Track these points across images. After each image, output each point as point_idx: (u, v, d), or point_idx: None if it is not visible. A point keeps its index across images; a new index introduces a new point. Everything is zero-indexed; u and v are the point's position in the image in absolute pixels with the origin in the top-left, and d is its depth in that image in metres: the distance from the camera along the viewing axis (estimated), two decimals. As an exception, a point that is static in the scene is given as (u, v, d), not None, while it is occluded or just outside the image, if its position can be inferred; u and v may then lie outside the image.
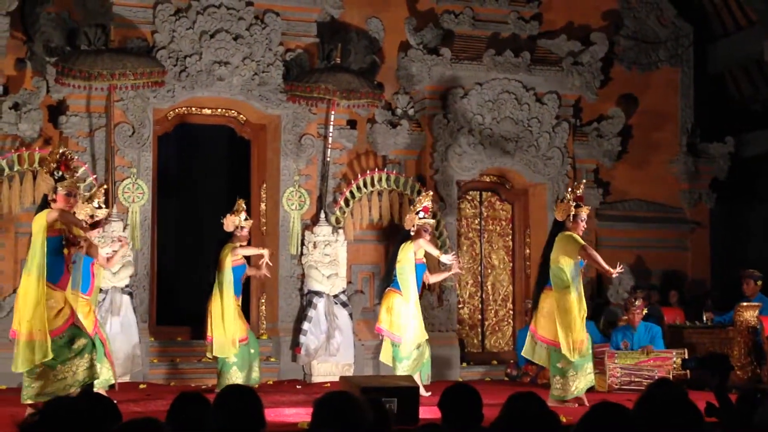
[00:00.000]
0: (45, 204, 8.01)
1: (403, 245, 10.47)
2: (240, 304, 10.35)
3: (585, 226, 9.66)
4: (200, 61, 11.76)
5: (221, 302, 10.10)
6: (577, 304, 9.43)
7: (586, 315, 9.63)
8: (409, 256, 10.39)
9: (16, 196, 10.97)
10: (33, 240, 7.89)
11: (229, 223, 10.28)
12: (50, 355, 7.79)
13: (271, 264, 10.70)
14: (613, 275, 9.59)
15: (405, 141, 12.72)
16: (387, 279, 10.68)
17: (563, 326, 9.38)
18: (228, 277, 10.11)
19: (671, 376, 10.37)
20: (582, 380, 9.45)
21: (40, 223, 7.84)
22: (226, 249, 10.19)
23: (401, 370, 10.21)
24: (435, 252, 10.59)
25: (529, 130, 13.11)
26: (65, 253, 7.93)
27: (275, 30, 12.04)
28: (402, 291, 10.38)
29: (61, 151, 8.11)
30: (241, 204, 10.42)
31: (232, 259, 10.14)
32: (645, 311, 11.53)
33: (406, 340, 10.32)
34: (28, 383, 7.91)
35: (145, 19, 11.69)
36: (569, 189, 10.03)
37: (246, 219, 10.38)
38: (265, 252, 10.46)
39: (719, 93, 15.15)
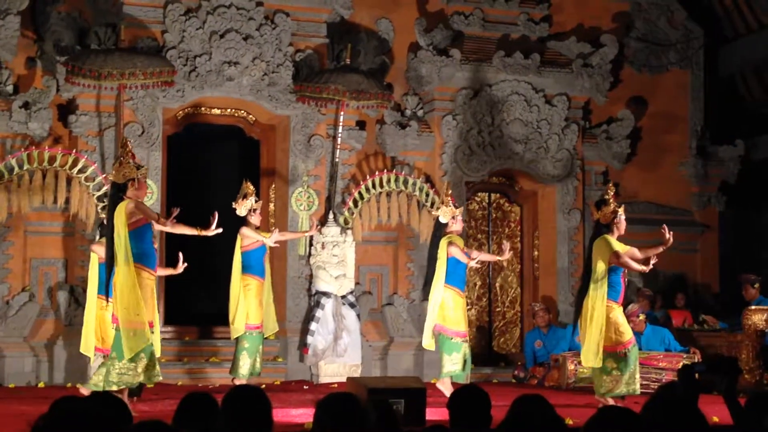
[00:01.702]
0: (117, 192, 8.51)
1: (441, 242, 10.28)
2: (264, 285, 10.50)
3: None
4: (210, 61, 11.77)
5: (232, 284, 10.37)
6: (601, 309, 9.30)
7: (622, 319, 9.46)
8: (444, 253, 10.26)
9: (25, 195, 10.98)
10: (117, 232, 8.36)
11: (242, 207, 10.38)
12: (149, 341, 8.29)
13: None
14: (649, 269, 9.49)
15: (414, 142, 12.71)
16: (431, 276, 10.36)
17: (587, 330, 9.34)
18: (236, 260, 10.33)
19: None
20: (631, 384, 9.35)
21: (121, 217, 8.35)
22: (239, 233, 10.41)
23: (450, 363, 10.03)
24: (464, 260, 10.42)
25: (538, 131, 13.10)
26: (154, 240, 8.60)
27: (285, 30, 12.05)
28: (453, 286, 10.21)
29: (129, 146, 8.77)
30: (249, 186, 10.51)
31: (243, 244, 10.34)
32: (641, 316, 11.45)
33: (459, 333, 10.17)
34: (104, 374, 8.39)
35: (156, 19, 11.71)
36: (608, 190, 9.85)
37: (257, 201, 10.53)
38: (270, 239, 10.48)
39: (730, 96, 15.12)
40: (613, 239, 9.42)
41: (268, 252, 10.60)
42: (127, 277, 8.33)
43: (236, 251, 10.37)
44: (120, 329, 8.35)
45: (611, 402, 9.19)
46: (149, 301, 8.43)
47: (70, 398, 4.24)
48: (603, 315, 9.31)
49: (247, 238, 10.36)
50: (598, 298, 9.34)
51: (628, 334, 9.39)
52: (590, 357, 9.36)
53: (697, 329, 12.12)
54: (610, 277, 9.38)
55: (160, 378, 8.75)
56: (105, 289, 9.06)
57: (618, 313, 9.43)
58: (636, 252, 9.42)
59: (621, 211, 9.53)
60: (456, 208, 10.49)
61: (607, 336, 9.33)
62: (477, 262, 10.61)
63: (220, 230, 9.17)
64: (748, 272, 12.11)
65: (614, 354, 9.34)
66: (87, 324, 9.98)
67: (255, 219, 10.46)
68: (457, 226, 10.40)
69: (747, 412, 4.68)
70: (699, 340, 11.67)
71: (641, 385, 10.66)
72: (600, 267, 9.35)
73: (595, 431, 3.32)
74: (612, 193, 9.65)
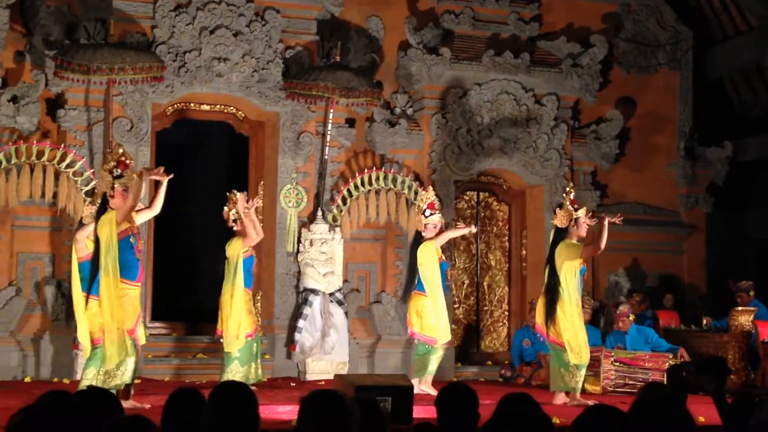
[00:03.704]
0: (102, 204, 8.59)
1: (421, 246, 10.50)
2: (251, 297, 10.37)
3: (588, 225, 9.80)
4: (200, 56, 11.75)
5: (231, 295, 10.03)
6: (571, 309, 9.67)
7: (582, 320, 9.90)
8: (429, 257, 10.43)
9: (13, 189, 10.93)
10: (104, 243, 8.39)
11: (230, 219, 10.25)
12: (131, 352, 8.40)
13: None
14: (605, 227, 9.75)
15: (403, 140, 12.71)
16: (410, 282, 10.64)
17: (565, 331, 9.65)
18: (238, 270, 10.05)
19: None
20: (580, 381, 9.76)
21: (109, 228, 8.39)
22: (233, 241, 10.11)
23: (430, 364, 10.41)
24: (451, 235, 10.81)
25: (527, 131, 13.11)
26: (136, 250, 8.51)
27: (275, 27, 12.04)
28: (428, 293, 10.42)
29: (120, 151, 8.75)
30: (234, 194, 10.38)
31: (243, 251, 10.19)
32: (632, 317, 11.52)
33: (439, 341, 10.46)
34: (90, 374, 8.40)
35: (145, 14, 11.68)
36: (564, 195, 10.13)
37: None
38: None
39: (718, 97, 15.16)
40: (571, 242, 9.70)
41: (257, 262, 10.54)
42: (111, 288, 8.39)
43: (239, 259, 10.02)
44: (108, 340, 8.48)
45: (565, 398, 9.65)
46: (129, 311, 8.49)
47: (56, 392, 4.24)
48: (576, 315, 9.70)
49: (245, 247, 10.27)
50: (566, 301, 9.68)
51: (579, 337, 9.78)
52: (571, 355, 9.65)
53: (685, 329, 12.15)
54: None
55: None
56: (89, 287, 8.90)
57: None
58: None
59: (579, 214, 9.66)
60: (428, 217, 10.55)
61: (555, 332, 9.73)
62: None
63: (170, 175, 8.96)
64: (735, 275, 12.13)
65: (560, 347, 9.71)
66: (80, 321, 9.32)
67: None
68: (428, 234, 10.54)
69: (733, 413, 4.69)
70: (686, 341, 11.69)
71: (627, 384, 10.77)
72: (569, 268, 9.64)
73: (583, 430, 3.32)
74: (570, 198, 9.80)
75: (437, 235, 10.54)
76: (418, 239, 10.67)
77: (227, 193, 10.31)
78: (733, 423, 4.62)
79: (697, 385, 8.41)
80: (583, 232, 9.77)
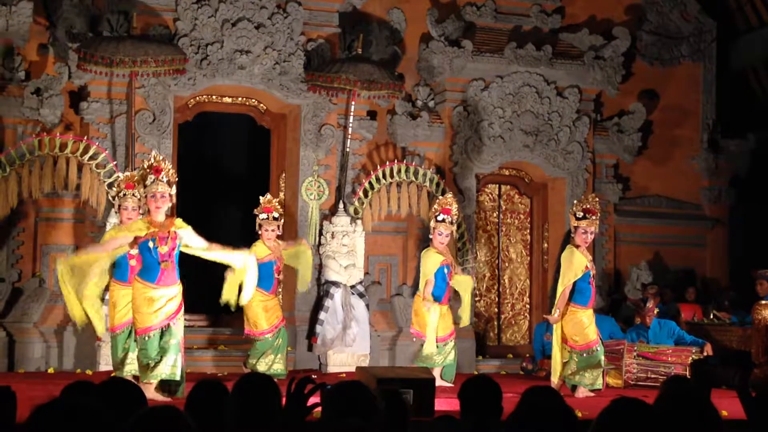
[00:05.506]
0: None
1: (424, 251, 10.69)
2: (271, 297, 10.52)
3: (589, 239, 9.80)
4: (222, 49, 11.76)
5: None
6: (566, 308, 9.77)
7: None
8: (425, 264, 10.54)
9: (36, 181, 11.00)
10: None
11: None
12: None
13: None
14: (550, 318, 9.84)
15: (425, 133, 12.70)
16: (417, 283, 10.93)
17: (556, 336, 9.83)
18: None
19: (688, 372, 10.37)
20: (599, 379, 9.74)
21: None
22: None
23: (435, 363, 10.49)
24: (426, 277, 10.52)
25: (549, 123, 13.07)
26: (160, 255, 8.67)
27: (297, 19, 12.04)
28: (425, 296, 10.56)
29: (150, 163, 8.82)
30: (266, 199, 10.60)
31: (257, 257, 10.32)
32: (657, 311, 11.52)
33: (430, 339, 10.52)
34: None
35: (168, 7, 11.71)
36: (578, 201, 10.09)
37: (266, 219, 10.55)
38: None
39: (741, 89, 15.05)
40: (576, 256, 9.64)
41: (279, 265, 10.60)
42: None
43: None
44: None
45: (587, 392, 9.61)
46: (147, 310, 8.62)
47: (80, 383, 4.26)
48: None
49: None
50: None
51: (593, 334, 9.73)
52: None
53: (708, 323, 12.09)
54: (579, 283, 9.71)
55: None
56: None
57: (583, 316, 9.74)
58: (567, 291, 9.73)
59: (584, 225, 9.63)
60: (439, 221, 10.55)
61: (578, 338, 9.71)
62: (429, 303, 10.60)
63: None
64: (760, 267, 12.06)
65: (586, 351, 9.67)
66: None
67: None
68: (435, 241, 10.58)
69: (757, 407, 4.66)
70: (709, 334, 11.64)
71: (649, 378, 10.74)
72: (561, 282, 9.76)
73: (609, 422, 3.30)
74: (582, 207, 9.74)
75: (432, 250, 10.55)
76: (426, 238, 10.87)
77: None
78: (758, 417, 4.59)
79: (721, 378, 8.38)
80: (579, 242, 9.75)
